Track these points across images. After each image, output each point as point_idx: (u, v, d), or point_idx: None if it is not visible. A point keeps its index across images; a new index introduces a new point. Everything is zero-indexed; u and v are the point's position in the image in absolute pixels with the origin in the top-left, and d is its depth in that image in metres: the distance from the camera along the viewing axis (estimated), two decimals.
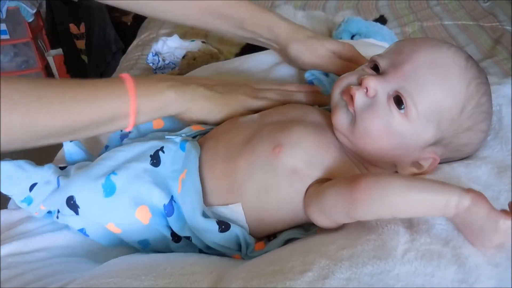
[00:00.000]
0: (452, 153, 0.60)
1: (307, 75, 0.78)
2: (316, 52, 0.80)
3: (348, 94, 0.58)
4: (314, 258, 0.49)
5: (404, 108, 0.56)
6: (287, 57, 0.84)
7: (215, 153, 0.63)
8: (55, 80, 0.68)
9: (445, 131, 0.57)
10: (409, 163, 0.59)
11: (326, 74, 0.78)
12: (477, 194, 0.46)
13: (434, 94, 0.56)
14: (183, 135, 0.67)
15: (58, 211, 0.63)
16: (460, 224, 0.48)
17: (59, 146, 0.74)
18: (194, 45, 1.42)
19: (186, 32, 1.60)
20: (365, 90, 0.57)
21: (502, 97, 0.67)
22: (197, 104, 0.68)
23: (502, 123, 0.65)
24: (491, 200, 0.46)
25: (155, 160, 0.62)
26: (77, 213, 0.61)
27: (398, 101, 0.56)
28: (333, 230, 0.55)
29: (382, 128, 0.56)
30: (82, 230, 0.63)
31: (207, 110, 0.69)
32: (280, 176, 0.58)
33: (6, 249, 0.60)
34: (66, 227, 0.64)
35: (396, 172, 0.61)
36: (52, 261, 0.60)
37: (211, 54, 1.33)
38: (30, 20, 2.44)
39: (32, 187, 0.63)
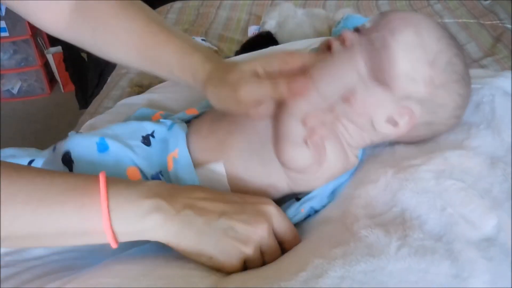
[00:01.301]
0: (429, 115, 0.61)
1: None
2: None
3: (327, 44, 0.61)
4: (308, 257, 0.49)
5: None
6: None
7: (201, 121, 0.68)
8: (23, 178, 0.52)
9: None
10: (384, 118, 0.60)
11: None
12: None
13: (406, 44, 0.58)
14: (176, 119, 0.70)
15: None
16: None
17: None
18: None
19: (186, 30, 1.60)
20: (342, 40, 0.60)
21: (496, 88, 0.68)
22: (185, 238, 0.53)
23: (495, 113, 0.65)
24: (483, 192, 0.46)
25: (146, 140, 0.65)
26: (71, 169, 0.62)
27: None
28: (325, 227, 0.55)
29: (358, 91, 0.58)
30: None
31: (196, 247, 0.54)
32: (263, 137, 0.60)
33: (4, 247, 0.60)
34: None
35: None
36: (50, 259, 0.60)
37: None
38: None
39: (30, 163, 0.66)
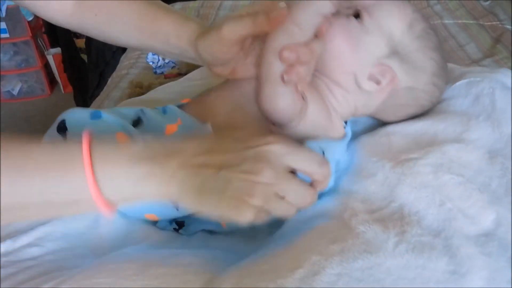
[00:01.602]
0: (408, 77, 0.65)
1: None
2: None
3: None
4: (305, 254, 0.49)
5: (360, 17, 0.64)
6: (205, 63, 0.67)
7: (193, 101, 0.71)
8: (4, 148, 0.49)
9: (398, 43, 0.64)
10: (366, 75, 0.64)
11: None
12: None
13: (385, 8, 0.64)
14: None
15: None
16: None
17: None
18: None
19: None
20: None
21: (495, 82, 0.68)
22: (187, 200, 0.50)
23: (495, 106, 0.65)
24: (482, 186, 0.46)
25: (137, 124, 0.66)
26: (65, 136, 0.62)
27: (356, 15, 0.64)
28: (322, 222, 0.55)
29: (341, 30, 0.63)
30: None
31: (201, 208, 0.50)
32: (246, 93, 0.63)
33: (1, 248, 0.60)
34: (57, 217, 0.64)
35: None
36: (45, 259, 0.60)
37: None
38: (30, 18, 2.45)
39: None
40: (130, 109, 0.69)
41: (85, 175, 0.46)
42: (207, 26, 0.65)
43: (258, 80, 0.58)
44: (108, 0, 0.70)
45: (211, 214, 0.49)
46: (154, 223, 0.66)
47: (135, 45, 0.75)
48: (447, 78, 0.69)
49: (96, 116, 0.63)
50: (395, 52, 0.64)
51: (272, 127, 0.61)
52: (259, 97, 0.58)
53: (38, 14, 0.75)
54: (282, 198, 0.48)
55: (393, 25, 0.64)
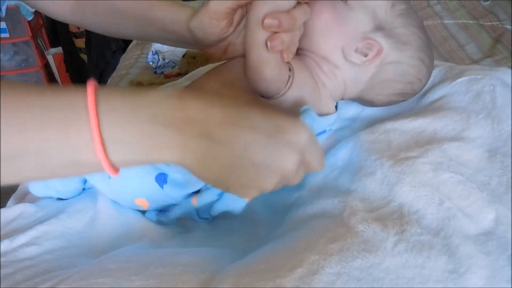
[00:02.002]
0: (395, 53, 0.66)
1: None
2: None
3: None
4: (304, 253, 0.48)
5: None
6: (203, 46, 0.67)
7: None
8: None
9: (382, 19, 0.66)
10: (353, 48, 0.65)
11: None
12: None
13: None
14: None
15: None
16: None
17: None
18: None
19: None
20: None
21: (496, 79, 0.69)
22: (199, 169, 0.46)
23: (496, 103, 0.65)
24: (481, 185, 0.46)
25: None
26: None
27: None
28: (321, 221, 0.55)
29: (326, 8, 0.64)
30: None
31: (211, 178, 0.48)
32: (235, 69, 0.64)
33: None
34: (54, 216, 0.64)
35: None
36: (43, 258, 0.59)
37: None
38: (30, 18, 2.45)
39: None
40: None
41: (91, 136, 0.42)
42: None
43: (245, 51, 0.59)
44: None
45: (217, 185, 0.47)
46: (144, 212, 0.68)
47: (133, 34, 0.75)
48: (432, 57, 0.70)
49: None
50: (380, 28, 0.66)
51: (261, 99, 0.61)
52: (246, 68, 0.59)
53: (37, 8, 0.76)
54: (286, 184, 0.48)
55: (376, 3, 0.66)
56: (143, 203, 0.66)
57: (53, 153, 0.42)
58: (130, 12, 0.70)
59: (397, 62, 0.67)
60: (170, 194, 0.64)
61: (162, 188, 0.63)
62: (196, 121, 0.44)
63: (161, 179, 0.63)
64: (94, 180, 0.66)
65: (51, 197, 0.70)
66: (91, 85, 0.43)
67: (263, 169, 0.45)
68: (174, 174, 0.63)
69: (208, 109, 0.44)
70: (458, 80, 0.70)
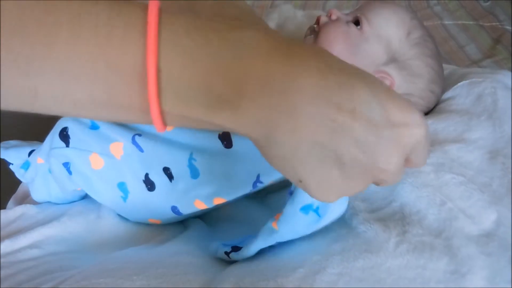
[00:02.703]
0: (406, 84, 0.67)
1: None
2: None
3: (316, 22, 0.69)
4: (306, 253, 0.48)
5: (360, 25, 0.66)
6: None
7: None
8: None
9: (396, 51, 0.66)
10: None
11: None
12: None
13: (384, 15, 0.67)
14: None
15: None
16: None
17: None
18: None
19: None
20: (329, 15, 0.68)
21: (497, 82, 0.69)
22: (271, 151, 0.34)
23: (497, 105, 0.65)
24: (483, 186, 0.46)
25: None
26: (67, 144, 0.62)
27: (356, 22, 0.67)
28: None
29: (341, 36, 0.65)
30: (66, 165, 0.63)
31: (284, 166, 0.35)
32: None
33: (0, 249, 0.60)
34: (56, 218, 0.64)
35: None
36: (45, 259, 0.59)
37: None
38: None
39: (30, 153, 0.68)
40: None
41: (146, 82, 0.31)
42: None
43: None
44: None
45: (289, 176, 0.36)
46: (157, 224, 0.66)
47: None
48: (443, 84, 0.70)
49: (95, 127, 0.63)
50: (393, 59, 0.66)
51: None
52: None
53: None
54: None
55: (392, 33, 0.66)
56: (156, 222, 0.65)
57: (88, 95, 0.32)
58: None
59: (407, 94, 0.67)
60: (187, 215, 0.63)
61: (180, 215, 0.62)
62: (290, 88, 0.32)
63: (176, 210, 0.61)
64: (104, 200, 0.63)
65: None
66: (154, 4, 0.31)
67: (352, 169, 0.34)
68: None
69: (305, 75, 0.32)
70: (459, 84, 0.70)
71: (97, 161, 0.62)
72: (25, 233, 0.62)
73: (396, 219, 0.50)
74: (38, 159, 0.66)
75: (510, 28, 1.47)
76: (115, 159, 0.61)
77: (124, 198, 0.62)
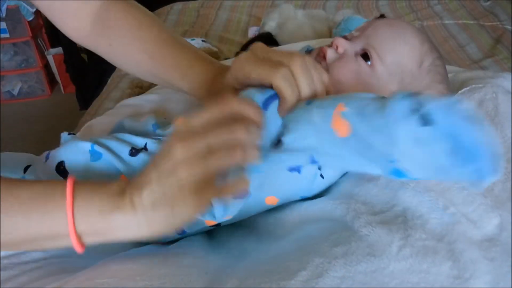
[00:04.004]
0: None
1: None
2: None
3: (320, 55, 0.65)
4: (308, 256, 0.48)
5: (370, 60, 0.63)
6: None
7: None
8: None
9: (408, 85, 0.64)
10: None
11: None
12: None
13: (394, 48, 0.64)
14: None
15: None
16: None
17: None
18: (194, 44, 1.42)
19: (186, 31, 1.60)
20: (335, 47, 0.65)
21: (497, 86, 0.69)
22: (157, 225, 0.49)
23: (498, 110, 0.65)
24: (485, 191, 0.46)
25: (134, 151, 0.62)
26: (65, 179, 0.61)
27: (365, 56, 0.63)
28: (325, 224, 0.55)
29: (352, 75, 0.63)
30: None
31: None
32: None
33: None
34: None
35: None
36: (48, 261, 0.60)
37: (211, 53, 1.33)
38: (30, 18, 2.45)
39: (26, 169, 0.66)
40: (137, 138, 0.64)
41: (65, 212, 0.49)
42: (210, 73, 0.68)
43: None
44: (123, 35, 0.73)
45: (185, 221, 0.49)
46: None
47: (149, 80, 0.80)
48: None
49: (96, 157, 0.62)
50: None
51: None
52: None
53: (57, 27, 0.77)
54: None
55: (404, 67, 0.63)
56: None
57: (36, 229, 0.50)
58: (143, 63, 0.73)
59: None
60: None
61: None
62: (144, 183, 0.49)
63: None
64: None
65: None
66: (70, 180, 0.50)
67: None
68: None
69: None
70: (460, 92, 0.70)
71: None
72: None
73: (399, 222, 0.50)
74: None
75: (511, 27, 1.47)
76: None
77: None
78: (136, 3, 0.76)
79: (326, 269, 0.46)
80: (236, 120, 0.47)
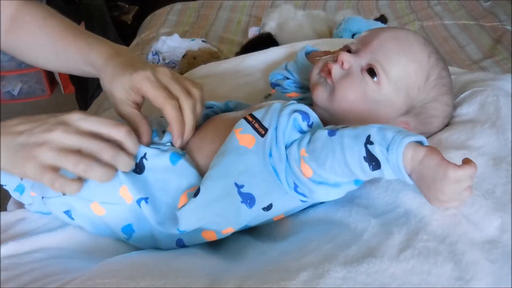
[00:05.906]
0: (423, 126, 0.65)
1: (270, 78, 0.79)
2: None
3: (325, 70, 0.65)
4: (309, 257, 0.48)
5: (376, 76, 0.62)
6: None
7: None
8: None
9: (414, 100, 0.64)
10: None
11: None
12: (431, 148, 0.48)
13: (401, 62, 0.63)
14: (168, 144, 0.65)
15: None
16: (417, 179, 0.49)
17: None
18: (194, 44, 1.42)
19: (186, 31, 1.60)
20: (340, 63, 0.64)
21: (499, 89, 0.69)
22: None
23: (500, 113, 0.65)
24: (486, 193, 0.46)
25: (138, 169, 0.61)
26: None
27: (371, 72, 0.62)
28: (326, 226, 0.55)
29: (358, 93, 0.62)
30: (67, 213, 0.63)
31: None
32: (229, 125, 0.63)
33: (3, 250, 0.60)
34: (62, 226, 0.64)
35: None
36: (49, 262, 0.60)
37: (211, 53, 1.33)
38: None
39: None
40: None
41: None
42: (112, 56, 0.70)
43: None
44: (34, 23, 0.78)
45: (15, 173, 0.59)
46: None
47: (55, 68, 0.88)
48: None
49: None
50: (411, 107, 0.64)
51: None
52: None
53: None
54: (74, 154, 0.55)
55: (411, 84, 0.63)
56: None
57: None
58: (49, 48, 0.77)
59: (422, 132, 0.64)
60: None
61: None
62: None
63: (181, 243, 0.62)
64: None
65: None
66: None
67: (33, 140, 0.57)
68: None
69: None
70: (461, 96, 0.70)
71: (98, 209, 0.61)
72: (30, 237, 0.62)
73: (400, 224, 0.50)
74: (31, 193, 0.65)
75: (511, 28, 1.47)
76: (125, 204, 0.60)
77: (127, 239, 0.63)
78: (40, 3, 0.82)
79: (327, 270, 0.46)
80: (113, 143, 0.57)
